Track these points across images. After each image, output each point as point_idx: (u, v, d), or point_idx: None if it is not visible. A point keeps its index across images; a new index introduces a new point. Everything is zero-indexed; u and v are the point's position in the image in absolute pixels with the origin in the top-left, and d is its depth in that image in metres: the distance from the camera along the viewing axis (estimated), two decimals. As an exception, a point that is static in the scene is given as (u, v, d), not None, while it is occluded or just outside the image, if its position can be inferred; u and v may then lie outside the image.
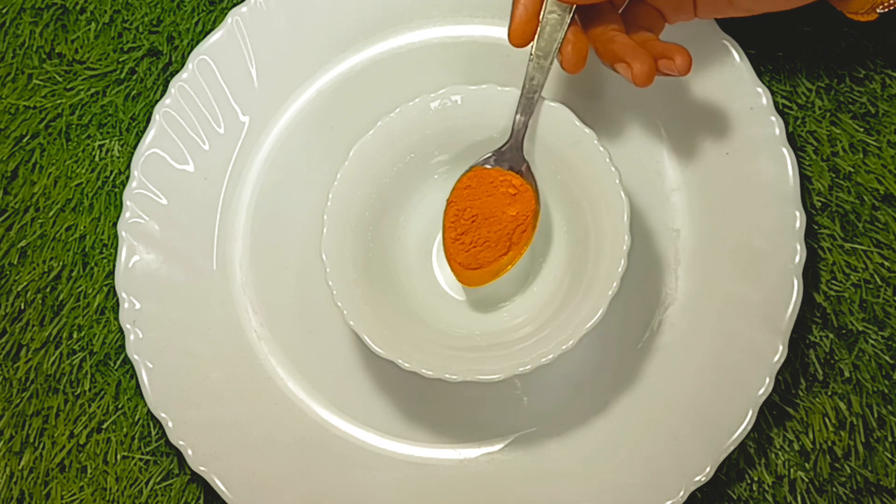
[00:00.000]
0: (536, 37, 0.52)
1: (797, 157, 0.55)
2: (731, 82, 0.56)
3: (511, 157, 0.54)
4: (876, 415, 0.55)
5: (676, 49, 0.50)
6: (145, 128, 0.60)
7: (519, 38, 0.51)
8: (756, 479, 0.55)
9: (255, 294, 0.59)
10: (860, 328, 0.56)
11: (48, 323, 0.61)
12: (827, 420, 0.55)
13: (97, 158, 0.63)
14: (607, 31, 0.51)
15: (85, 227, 0.62)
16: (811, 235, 0.57)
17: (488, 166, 0.54)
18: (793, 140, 0.57)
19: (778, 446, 0.55)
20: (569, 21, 0.51)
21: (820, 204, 0.57)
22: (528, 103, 0.53)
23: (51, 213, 0.62)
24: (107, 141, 0.63)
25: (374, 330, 0.52)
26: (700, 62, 0.56)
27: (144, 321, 0.57)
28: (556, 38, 0.51)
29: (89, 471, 0.59)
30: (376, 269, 0.55)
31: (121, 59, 0.64)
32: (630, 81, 0.49)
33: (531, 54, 0.52)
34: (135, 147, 0.60)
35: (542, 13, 0.51)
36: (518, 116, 0.53)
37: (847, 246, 0.57)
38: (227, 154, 0.60)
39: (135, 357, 0.57)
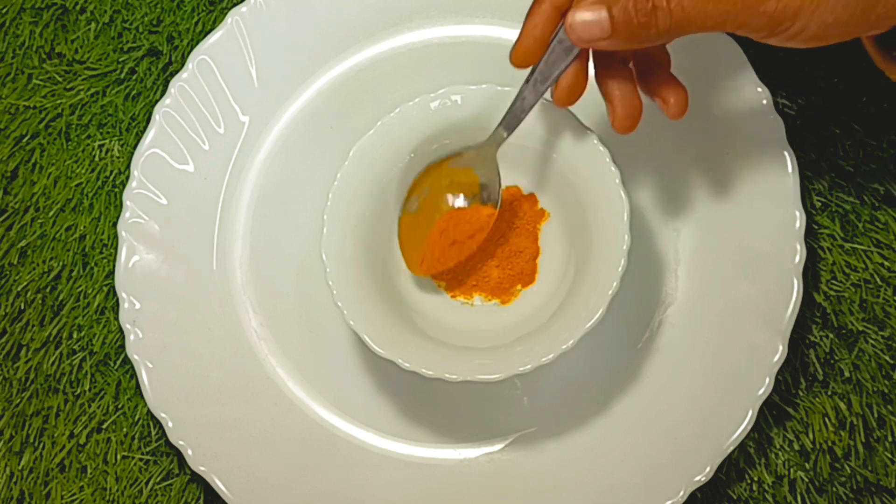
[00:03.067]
0: (540, 61, 0.49)
1: (797, 157, 0.55)
2: (732, 82, 0.56)
3: (484, 170, 0.54)
4: (876, 415, 0.55)
5: (674, 90, 0.49)
6: (145, 128, 0.60)
7: (521, 61, 0.49)
8: (756, 479, 0.55)
9: (255, 294, 0.59)
10: (860, 328, 0.55)
11: (48, 323, 0.61)
12: (827, 420, 0.55)
13: (97, 158, 0.63)
14: (610, 67, 0.49)
15: (85, 227, 0.62)
16: (811, 235, 0.57)
17: (462, 204, 0.55)
18: (793, 140, 0.57)
19: (778, 446, 0.55)
20: (574, 56, 0.48)
21: (820, 204, 0.57)
22: (514, 121, 0.52)
23: (51, 213, 0.62)
24: (107, 141, 0.63)
25: (374, 330, 0.52)
26: (700, 62, 0.56)
27: (144, 321, 0.57)
28: (559, 67, 0.49)
29: (89, 471, 0.58)
30: (376, 269, 0.55)
31: (121, 59, 0.64)
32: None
33: (529, 76, 0.51)
34: (135, 147, 0.60)
35: (552, 38, 0.48)
36: (500, 131, 0.53)
37: (847, 246, 0.57)
38: (227, 154, 0.60)
39: (135, 357, 0.57)
